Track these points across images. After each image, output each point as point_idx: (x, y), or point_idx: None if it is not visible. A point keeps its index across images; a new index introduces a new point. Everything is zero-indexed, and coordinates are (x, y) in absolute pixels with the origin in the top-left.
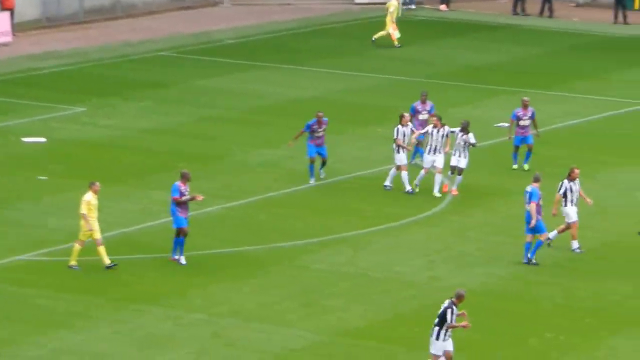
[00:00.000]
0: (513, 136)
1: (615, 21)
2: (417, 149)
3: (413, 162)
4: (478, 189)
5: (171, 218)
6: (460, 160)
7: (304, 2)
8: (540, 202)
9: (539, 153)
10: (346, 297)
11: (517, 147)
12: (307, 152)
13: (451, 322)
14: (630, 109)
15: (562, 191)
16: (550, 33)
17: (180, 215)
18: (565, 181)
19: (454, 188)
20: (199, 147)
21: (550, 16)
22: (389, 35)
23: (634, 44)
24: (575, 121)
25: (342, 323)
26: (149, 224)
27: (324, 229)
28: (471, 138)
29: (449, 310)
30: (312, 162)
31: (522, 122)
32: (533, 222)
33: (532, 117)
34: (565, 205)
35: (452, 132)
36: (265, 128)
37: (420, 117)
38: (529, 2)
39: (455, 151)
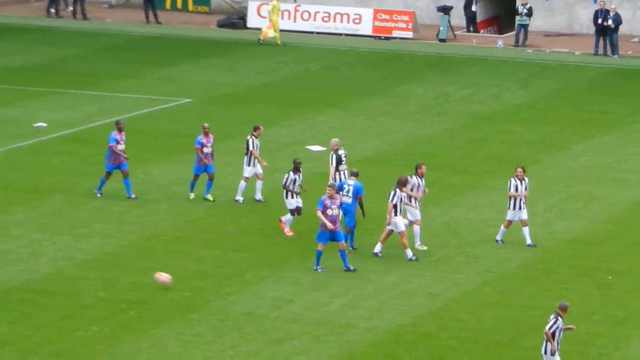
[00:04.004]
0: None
1: (147, 21)
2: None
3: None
4: (17, 188)
5: None
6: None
7: None
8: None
9: (79, 152)
10: None
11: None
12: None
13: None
14: (165, 105)
15: (394, 201)
16: (85, 34)
17: None
18: (398, 190)
19: None
20: None
21: (85, 18)
22: (274, 35)
23: (166, 43)
24: (113, 119)
25: None
26: None
27: None
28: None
29: (556, 328)
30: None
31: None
32: (330, 226)
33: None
34: (395, 215)
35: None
36: None
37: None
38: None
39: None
